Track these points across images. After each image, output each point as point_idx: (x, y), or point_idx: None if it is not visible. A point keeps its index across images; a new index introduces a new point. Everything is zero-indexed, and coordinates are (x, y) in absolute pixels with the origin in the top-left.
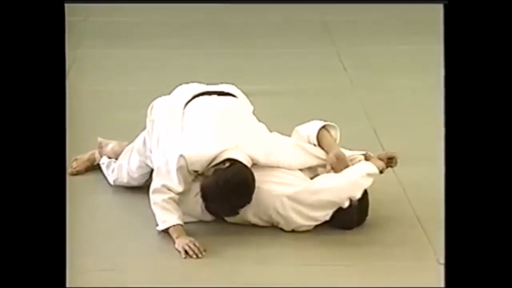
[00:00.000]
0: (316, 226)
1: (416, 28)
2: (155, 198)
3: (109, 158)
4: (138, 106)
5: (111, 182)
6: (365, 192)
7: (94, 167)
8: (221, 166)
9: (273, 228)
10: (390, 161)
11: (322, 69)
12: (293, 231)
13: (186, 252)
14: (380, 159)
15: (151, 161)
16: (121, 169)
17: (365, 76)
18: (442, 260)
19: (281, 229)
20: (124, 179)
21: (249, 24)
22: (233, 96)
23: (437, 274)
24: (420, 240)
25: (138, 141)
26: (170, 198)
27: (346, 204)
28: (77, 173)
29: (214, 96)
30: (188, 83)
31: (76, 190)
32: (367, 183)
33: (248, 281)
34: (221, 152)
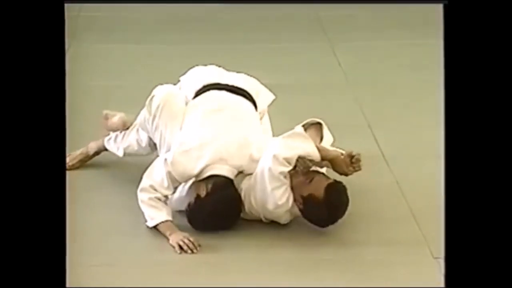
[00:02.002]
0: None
1: (411, 23)
2: (142, 197)
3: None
4: (133, 101)
5: (121, 153)
6: (334, 190)
7: (88, 160)
8: (202, 190)
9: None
10: (352, 161)
11: (316, 65)
12: (277, 224)
13: (180, 247)
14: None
15: (153, 136)
16: (132, 137)
17: (359, 71)
18: (437, 255)
19: (277, 223)
20: (135, 147)
21: (243, 19)
22: (245, 92)
23: (433, 269)
24: (415, 235)
25: (140, 117)
26: (156, 197)
27: (279, 169)
28: (70, 168)
29: (223, 92)
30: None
31: (73, 186)
32: (286, 141)
33: (245, 275)
34: (204, 168)
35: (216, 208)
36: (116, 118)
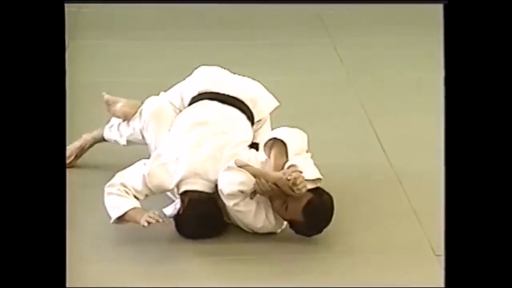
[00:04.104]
0: None
1: (413, 19)
2: (110, 190)
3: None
4: (134, 97)
5: (124, 141)
6: (312, 209)
7: (84, 153)
8: (180, 206)
9: None
10: (292, 184)
11: (317, 60)
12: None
13: (148, 222)
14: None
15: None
16: (136, 125)
17: (361, 67)
18: (439, 253)
19: None
20: (139, 136)
21: (244, 15)
22: (239, 102)
23: (434, 266)
24: (416, 231)
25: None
26: (125, 190)
27: (229, 203)
28: (68, 166)
29: (214, 103)
30: (208, 65)
31: (72, 181)
32: (224, 176)
33: (248, 271)
34: (179, 182)
35: (194, 224)
36: (118, 106)
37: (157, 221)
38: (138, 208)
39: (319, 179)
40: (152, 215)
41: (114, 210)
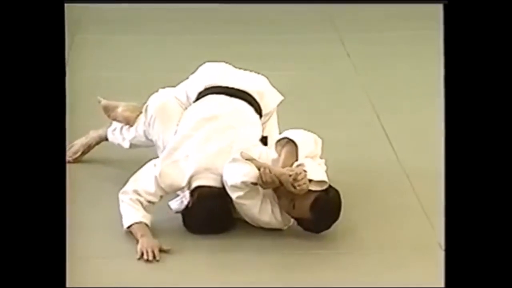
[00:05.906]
0: None
1: (420, 14)
2: (123, 197)
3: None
4: (138, 93)
5: (127, 144)
6: (320, 207)
7: (90, 150)
8: (190, 202)
9: None
10: (294, 179)
11: (325, 56)
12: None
13: (142, 254)
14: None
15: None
16: (139, 128)
17: (368, 62)
18: None
19: None
20: (142, 138)
21: (251, 10)
22: (246, 95)
23: (440, 261)
24: (424, 227)
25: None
26: (137, 199)
27: (233, 195)
28: (74, 161)
29: (222, 97)
30: (213, 61)
31: (74, 178)
32: (229, 167)
33: (252, 267)
34: (190, 178)
35: (203, 219)
36: (119, 111)
37: (149, 259)
38: (142, 223)
39: (324, 182)
40: (150, 251)
41: (124, 220)
